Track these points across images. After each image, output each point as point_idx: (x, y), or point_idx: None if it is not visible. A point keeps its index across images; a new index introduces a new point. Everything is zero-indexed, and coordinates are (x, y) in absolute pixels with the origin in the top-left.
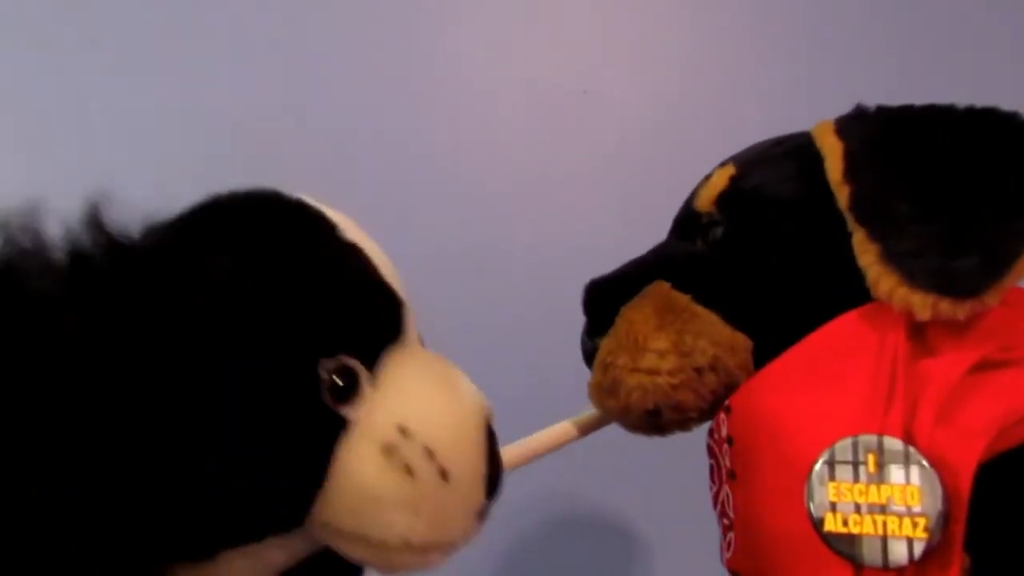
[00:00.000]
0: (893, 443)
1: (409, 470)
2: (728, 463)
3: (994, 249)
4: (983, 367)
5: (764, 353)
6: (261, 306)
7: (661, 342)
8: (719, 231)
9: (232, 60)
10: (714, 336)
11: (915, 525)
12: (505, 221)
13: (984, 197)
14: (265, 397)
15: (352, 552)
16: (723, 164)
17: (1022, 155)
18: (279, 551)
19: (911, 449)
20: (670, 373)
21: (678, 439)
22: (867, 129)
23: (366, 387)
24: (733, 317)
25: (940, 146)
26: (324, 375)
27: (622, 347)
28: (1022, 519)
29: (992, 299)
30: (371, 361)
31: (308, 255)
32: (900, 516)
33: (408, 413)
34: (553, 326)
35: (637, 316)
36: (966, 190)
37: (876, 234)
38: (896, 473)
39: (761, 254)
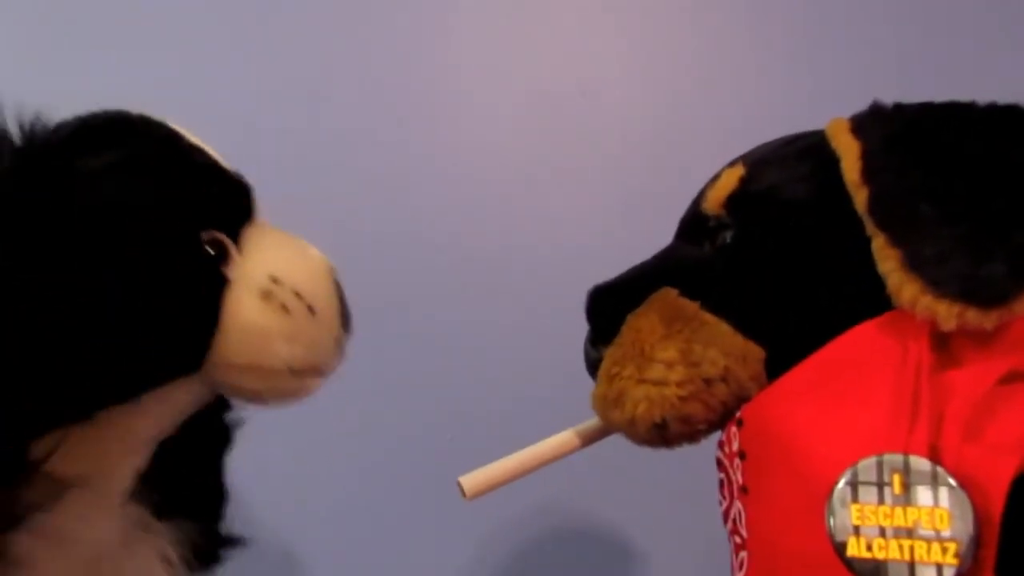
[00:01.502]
0: (920, 462)
1: (285, 308)
2: (740, 478)
3: (1023, 254)
4: (1011, 378)
5: (777, 363)
6: (148, 201)
7: (669, 352)
8: (729, 234)
9: (232, 61)
10: (724, 346)
11: (945, 550)
12: (504, 222)
13: (1011, 199)
14: (165, 263)
15: (246, 384)
16: (732, 164)
17: None
18: (186, 393)
19: (939, 469)
20: (678, 384)
21: (681, 451)
22: (885, 127)
23: (234, 254)
24: (744, 325)
25: (963, 145)
26: (203, 245)
27: (628, 357)
28: None
29: (1021, 307)
30: (234, 234)
31: (174, 157)
32: (928, 541)
33: (276, 266)
34: (553, 327)
35: (643, 324)
36: (992, 191)
37: (897, 238)
38: (924, 494)
39: (773, 259)
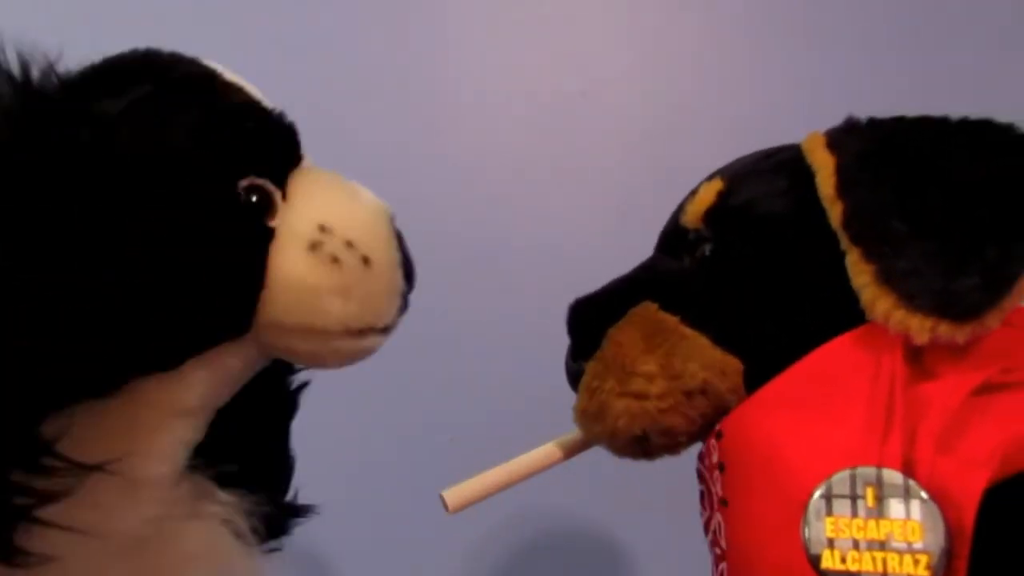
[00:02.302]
0: (892, 476)
1: (335, 260)
2: (720, 490)
3: (995, 269)
4: (984, 390)
5: (755, 376)
6: (177, 145)
7: (649, 365)
8: (707, 248)
9: (232, 61)
10: (704, 359)
11: (916, 562)
12: (504, 222)
13: (983, 214)
14: (197, 216)
15: (300, 346)
16: (710, 178)
17: (1020, 170)
18: (234, 358)
19: (911, 482)
20: (659, 397)
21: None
22: (859, 142)
23: (279, 202)
24: (723, 339)
25: (936, 161)
26: (241, 194)
27: (609, 371)
28: None
29: (993, 321)
30: (279, 180)
31: (207, 96)
32: (901, 553)
33: (324, 214)
34: (553, 327)
35: (624, 338)
36: (964, 207)
37: (871, 253)
38: (896, 507)
39: (751, 273)
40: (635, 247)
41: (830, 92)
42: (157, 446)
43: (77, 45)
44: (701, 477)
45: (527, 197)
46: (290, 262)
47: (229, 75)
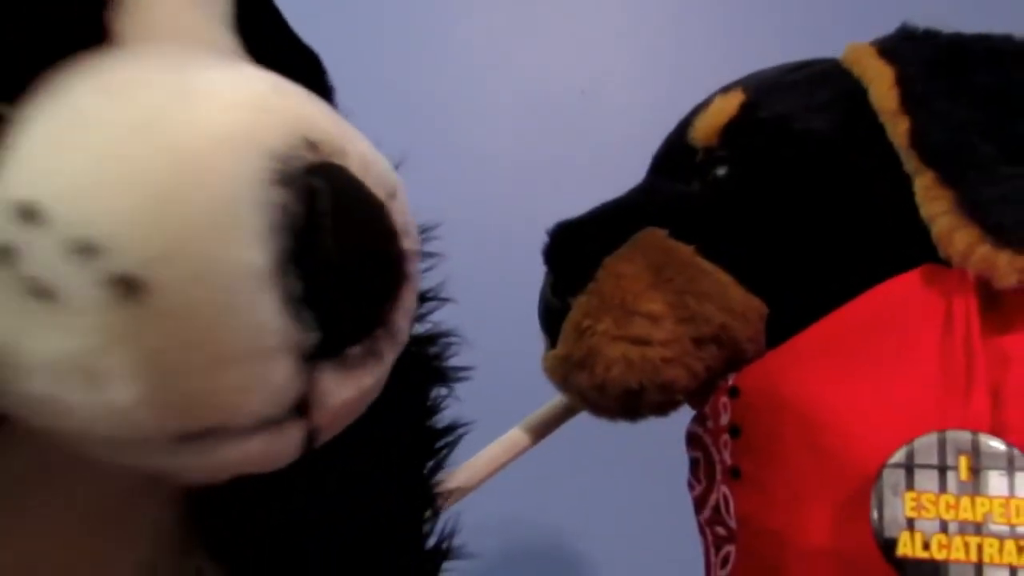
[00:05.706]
0: (993, 442)
1: (47, 292)
2: (729, 458)
3: None
4: None
5: (781, 323)
6: None
7: (655, 304)
8: (723, 170)
9: None
10: (724, 300)
11: (1020, 550)
12: (503, 222)
13: None
14: None
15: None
16: (724, 90)
17: None
18: None
19: (1016, 452)
20: (663, 344)
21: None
22: (924, 52)
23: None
24: (745, 276)
25: (1018, 76)
26: None
27: (605, 308)
28: None
29: None
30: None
31: None
32: (1001, 538)
33: (51, 176)
34: None
35: (627, 270)
36: None
37: (951, 177)
38: (997, 482)
39: (785, 199)
40: None
41: None
42: None
43: None
44: (697, 443)
45: (526, 196)
46: None
47: None
